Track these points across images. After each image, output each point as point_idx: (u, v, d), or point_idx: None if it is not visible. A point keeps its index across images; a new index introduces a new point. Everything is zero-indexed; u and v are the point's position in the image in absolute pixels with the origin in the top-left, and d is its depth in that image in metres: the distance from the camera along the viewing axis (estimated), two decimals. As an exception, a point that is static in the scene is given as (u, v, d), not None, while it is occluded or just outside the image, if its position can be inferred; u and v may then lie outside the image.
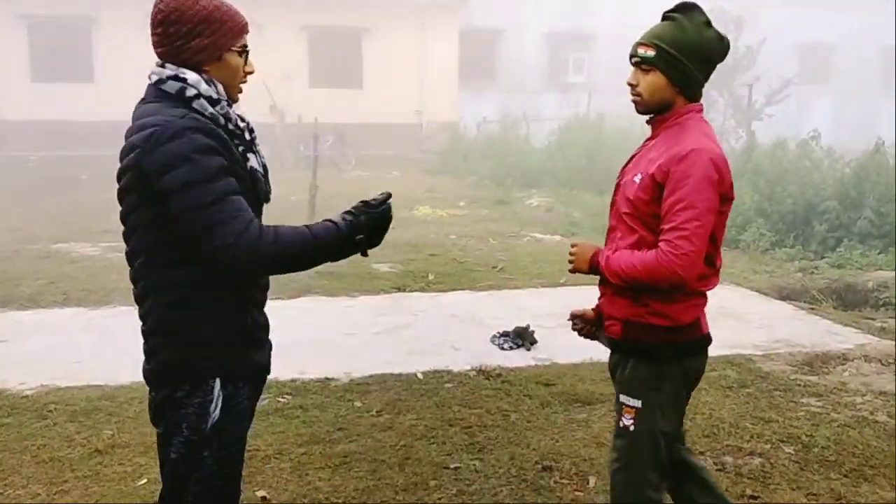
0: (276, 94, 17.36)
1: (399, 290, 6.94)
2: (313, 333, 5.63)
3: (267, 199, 2.07)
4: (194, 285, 1.90)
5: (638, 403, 2.35)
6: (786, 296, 7.13)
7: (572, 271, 2.45)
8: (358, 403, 4.30)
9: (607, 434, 3.90)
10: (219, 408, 1.94)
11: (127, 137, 1.87)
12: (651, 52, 2.24)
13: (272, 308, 3.55)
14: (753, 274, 7.98)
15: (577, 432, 3.93)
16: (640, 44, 2.28)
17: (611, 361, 2.51)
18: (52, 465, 3.49)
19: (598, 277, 2.44)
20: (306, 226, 1.94)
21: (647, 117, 2.39)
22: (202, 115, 1.88)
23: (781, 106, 19.49)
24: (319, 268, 7.60)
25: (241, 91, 2.05)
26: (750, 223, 9.42)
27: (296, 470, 3.51)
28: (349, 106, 19.07)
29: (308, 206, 10.80)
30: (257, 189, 2.00)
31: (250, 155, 1.99)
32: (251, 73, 2.05)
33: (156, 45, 1.93)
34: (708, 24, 2.26)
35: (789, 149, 11.53)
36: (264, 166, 2.06)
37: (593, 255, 2.37)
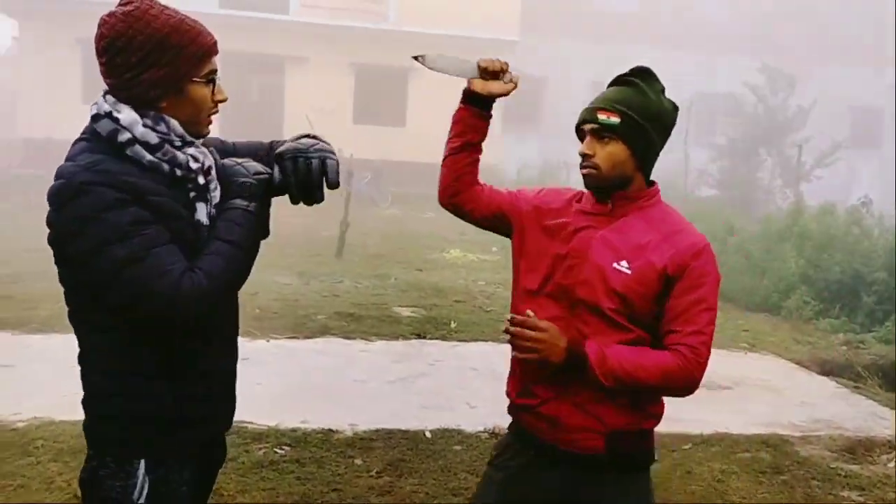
0: (318, 129, 17.39)
1: (419, 336, 6.69)
2: (323, 378, 5.40)
3: None
4: (116, 354, 1.65)
5: None
6: (829, 371, 6.71)
7: (536, 360, 1.87)
8: (359, 461, 4.03)
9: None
10: (145, 494, 1.67)
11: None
12: (615, 119, 1.94)
13: (284, 347, 3.22)
14: (795, 344, 7.56)
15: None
16: (598, 108, 1.97)
17: (559, 481, 2.01)
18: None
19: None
20: (220, 237, 1.66)
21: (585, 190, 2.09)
22: (139, 162, 1.60)
23: (831, 168, 18.99)
24: (338, 308, 7.40)
25: (209, 123, 1.76)
26: (793, 290, 9.00)
27: (280, 534, 3.25)
28: (391, 143, 19.10)
29: (338, 241, 10.68)
30: (196, 244, 1.68)
31: (199, 204, 1.69)
32: (222, 100, 1.75)
33: (103, 74, 1.64)
34: (663, 91, 2.02)
35: (838, 214, 11.11)
36: (213, 218, 1.71)
37: (574, 344, 1.88)
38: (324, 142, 1.79)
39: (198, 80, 1.67)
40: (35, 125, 18.16)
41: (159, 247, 1.57)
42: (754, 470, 4.22)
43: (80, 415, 1.73)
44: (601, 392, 1.91)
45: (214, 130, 1.83)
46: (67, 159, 1.61)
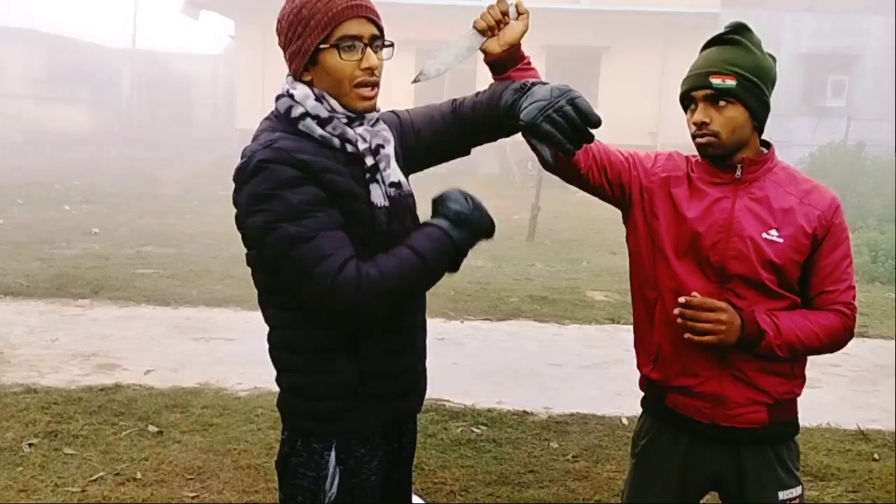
0: (509, 112, 17.52)
1: (613, 321, 6.57)
2: (517, 360, 5.46)
3: (391, 241, 1.66)
4: (299, 331, 1.68)
5: (798, 490, 2.01)
6: None
7: (714, 343, 1.83)
8: (554, 444, 4.04)
9: (840, 520, 3.36)
10: (336, 484, 1.70)
11: None
12: (731, 82, 1.82)
13: (479, 329, 3.20)
14: None
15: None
16: (711, 72, 1.83)
17: (720, 461, 1.99)
18: (248, 472, 3.57)
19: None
20: (409, 245, 1.62)
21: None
22: (313, 138, 1.62)
23: None
24: (531, 291, 7.43)
25: (366, 98, 1.66)
26: None
27: (479, 511, 3.33)
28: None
29: (529, 225, 10.72)
30: (374, 225, 1.66)
31: (373, 185, 1.66)
32: (371, 67, 1.64)
33: None
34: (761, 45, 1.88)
35: None
36: (392, 198, 1.68)
37: (749, 321, 1.84)
38: (545, 84, 1.68)
39: (325, 46, 1.62)
40: (250, 117, 19.65)
41: (328, 230, 1.56)
42: None
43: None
44: (760, 362, 1.90)
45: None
46: (252, 139, 1.68)
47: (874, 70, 20.36)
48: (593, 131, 1.64)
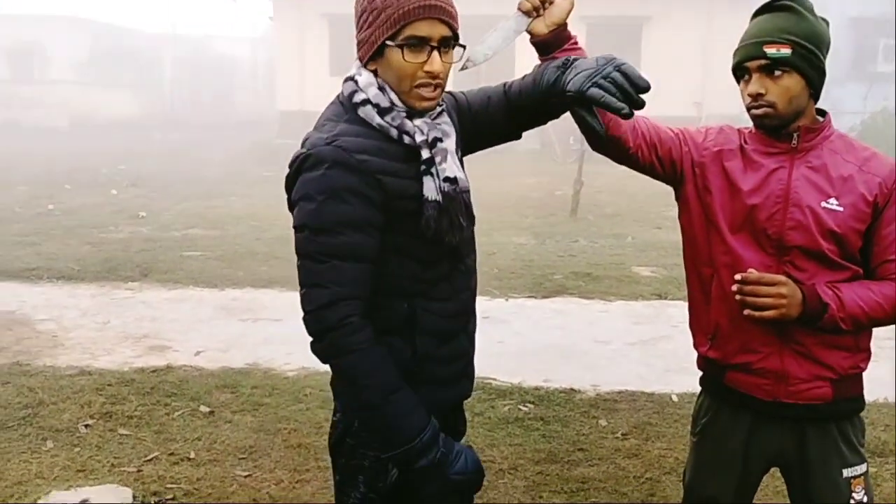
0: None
1: (660, 297, 6.48)
2: (563, 338, 5.42)
3: (441, 234, 1.64)
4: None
5: (863, 467, 1.96)
6: None
7: (775, 318, 1.78)
8: (603, 422, 4.00)
9: (900, 497, 3.28)
10: (395, 468, 1.71)
11: None
12: (786, 51, 1.76)
13: (524, 307, 3.05)
14: None
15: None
16: (765, 42, 1.77)
17: (784, 439, 1.95)
18: (299, 451, 3.61)
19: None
20: (397, 381, 1.60)
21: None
22: (368, 125, 1.61)
23: None
24: (575, 268, 7.37)
25: (426, 98, 1.62)
26: None
27: (529, 490, 3.31)
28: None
29: (572, 200, 10.61)
30: (421, 224, 1.62)
31: (426, 178, 1.62)
32: (432, 72, 1.59)
33: None
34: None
35: None
36: (445, 192, 1.63)
37: (810, 294, 1.79)
38: (587, 58, 1.65)
39: (391, 44, 1.59)
40: (290, 98, 19.77)
41: (344, 260, 1.56)
42: None
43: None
44: (822, 336, 1.85)
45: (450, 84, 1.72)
46: (317, 125, 1.66)
47: (927, 33, 19.68)
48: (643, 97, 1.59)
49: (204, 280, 6.88)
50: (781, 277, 1.80)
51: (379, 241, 1.61)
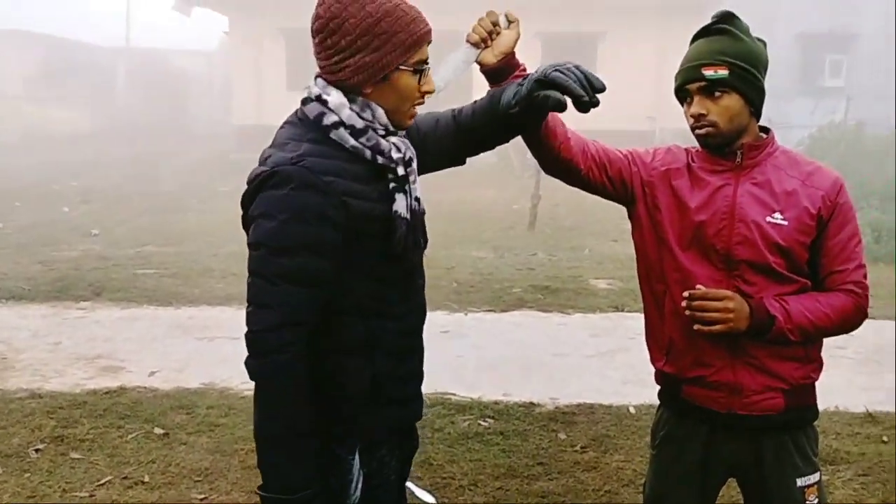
0: (506, 100, 17.48)
1: (617, 309, 6.55)
2: (522, 351, 5.44)
3: (406, 252, 1.68)
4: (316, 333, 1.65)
5: (817, 476, 2.00)
6: None
7: (724, 332, 1.82)
8: (562, 435, 4.03)
9: (852, 503, 3.34)
10: (360, 488, 1.72)
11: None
12: (724, 72, 1.82)
13: (483, 321, 3.00)
14: None
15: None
16: (702, 65, 1.84)
17: (740, 450, 1.99)
18: (255, 472, 3.52)
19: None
20: (308, 427, 1.59)
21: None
22: (341, 146, 1.60)
23: None
24: (534, 281, 7.41)
25: (412, 117, 1.70)
26: None
27: (489, 506, 3.32)
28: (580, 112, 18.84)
29: (530, 214, 10.68)
30: (392, 240, 1.65)
31: (398, 195, 1.65)
32: (430, 91, 1.68)
33: (315, 55, 1.63)
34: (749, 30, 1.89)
35: None
36: (414, 211, 1.68)
37: (757, 307, 1.83)
38: None
39: (404, 68, 1.62)
40: (246, 113, 19.60)
41: (297, 284, 1.55)
42: None
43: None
44: (773, 347, 1.89)
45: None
46: (275, 144, 1.63)
47: (871, 48, 20.26)
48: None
49: (158, 298, 6.77)
50: (728, 292, 1.84)
51: (336, 264, 1.60)
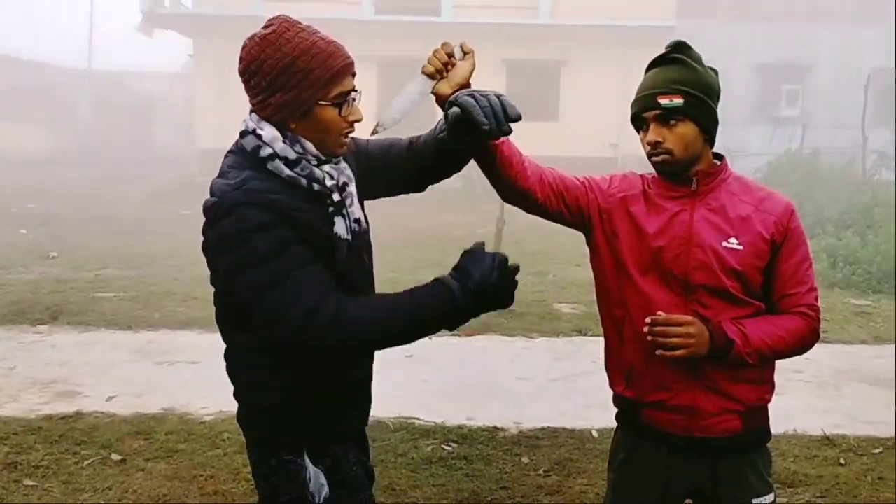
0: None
1: (580, 333, 6.59)
2: (486, 376, 5.44)
3: (350, 271, 1.76)
4: (257, 348, 1.73)
5: (771, 496, 2.04)
6: None
7: (686, 357, 1.85)
8: (525, 459, 4.02)
9: (809, 526, 3.38)
10: (323, 486, 1.76)
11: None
12: (678, 101, 1.88)
13: (447, 345, 2.87)
14: None
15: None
16: (657, 93, 1.89)
17: (698, 471, 2.01)
18: (215, 498, 3.51)
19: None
20: (412, 290, 1.65)
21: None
22: (279, 176, 1.66)
23: None
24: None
25: (342, 146, 1.75)
26: None
27: (452, 531, 3.30)
28: (544, 138, 18.95)
29: (494, 238, 10.72)
30: (335, 259, 1.71)
31: (337, 219, 1.72)
32: (357, 120, 1.74)
33: (246, 92, 1.73)
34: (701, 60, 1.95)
35: None
36: (354, 232, 1.76)
37: (717, 332, 1.87)
38: None
39: (324, 102, 1.67)
40: (210, 136, 19.47)
41: (300, 269, 1.60)
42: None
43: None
44: (730, 370, 1.93)
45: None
46: (220, 174, 1.70)
47: (827, 78, 20.84)
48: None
49: (118, 322, 6.65)
50: (689, 318, 1.86)
51: (310, 250, 1.65)
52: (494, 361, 5.82)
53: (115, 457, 3.92)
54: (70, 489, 3.57)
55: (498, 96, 1.68)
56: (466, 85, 1.85)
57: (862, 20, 21.29)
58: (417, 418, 4.48)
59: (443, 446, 4.15)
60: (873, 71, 16.95)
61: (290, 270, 1.59)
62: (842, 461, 4.06)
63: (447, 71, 1.84)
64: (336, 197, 1.72)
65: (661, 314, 1.86)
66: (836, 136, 18.55)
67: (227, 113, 19.76)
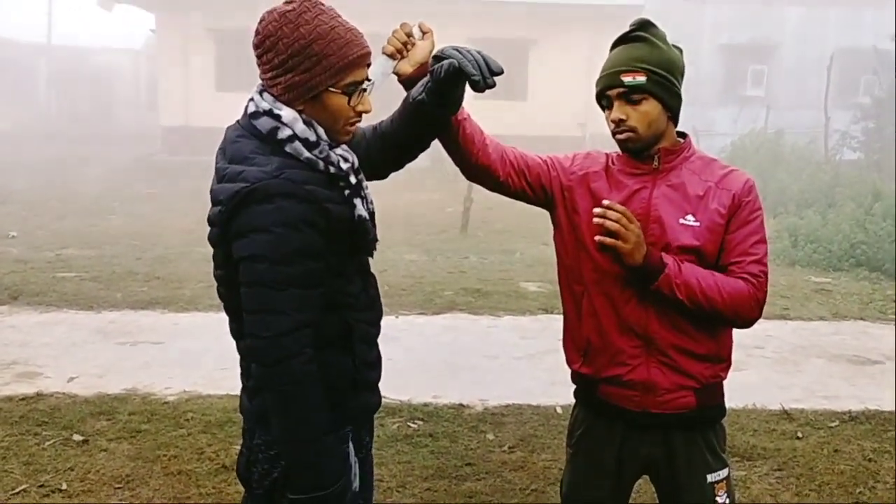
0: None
1: (546, 311, 6.63)
2: (453, 354, 5.46)
3: (371, 249, 1.84)
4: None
5: (725, 472, 2.07)
6: None
7: (621, 252, 1.84)
8: (490, 436, 4.06)
9: (768, 498, 3.46)
10: (357, 474, 1.80)
11: (217, 169, 1.69)
12: (641, 78, 1.89)
13: (414, 323, 2.90)
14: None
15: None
16: (621, 72, 1.90)
17: (653, 447, 2.05)
18: (179, 478, 3.48)
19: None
20: (330, 423, 1.67)
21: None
22: (297, 160, 1.64)
23: None
24: (465, 284, 7.44)
25: (348, 134, 1.75)
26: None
27: (417, 507, 3.32)
28: (512, 118, 18.96)
29: (462, 217, 10.74)
30: (365, 241, 1.77)
31: (357, 200, 1.73)
32: (365, 111, 1.73)
33: (258, 66, 1.69)
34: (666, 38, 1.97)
35: None
36: (371, 212, 1.80)
37: (652, 253, 1.88)
38: None
39: (334, 89, 1.66)
40: (174, 114, 19.19)
41: (301, 287, 1.60)
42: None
43: (225, 390, 1.82)
44: (686, 346, 1.95)
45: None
46: (237, 159, 1.64)
47: (791, 59, 21.04)
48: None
49: (79, 302, 6.55)
50: (637, 225, 1.87)
51: (326, 265, 1.66)
52: (461, 340, 5.84)
53: (76, 437, 3.87)
54: (31, 470, 3.53)
55: (478, 51, 1.70)
56: (426, 63, 1.84)
57: (827, 1, 21.55)
58: (384, 396, 4.46)
59: (408, 424, 4.16)
60: (836, 51, 17.16)
61: (294, 283, 1.59)
62: (799, 434, 4.15)
63: (407, 50, 1.84)
64: (352, 179, 1.73)
65: (618, 205, 1.87)
66: (800, 116, 18.75)
67: (192, 91, 19.42)
